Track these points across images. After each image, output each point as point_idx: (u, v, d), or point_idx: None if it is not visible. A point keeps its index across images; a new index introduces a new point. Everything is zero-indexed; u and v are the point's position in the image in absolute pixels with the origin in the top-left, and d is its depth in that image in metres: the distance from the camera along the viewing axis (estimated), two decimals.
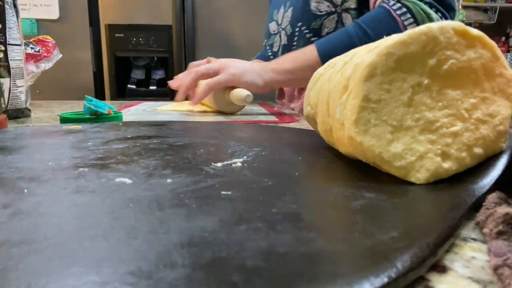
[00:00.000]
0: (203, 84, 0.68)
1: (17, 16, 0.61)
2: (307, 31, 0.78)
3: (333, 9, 0.75)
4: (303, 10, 0.77)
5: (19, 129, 0.42)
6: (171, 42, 1.70)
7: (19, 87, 0.61)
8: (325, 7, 0.75)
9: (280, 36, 0.86)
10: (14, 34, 0.59)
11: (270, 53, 0.92)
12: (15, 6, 0.60)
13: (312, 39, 0.77)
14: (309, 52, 0.68)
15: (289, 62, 0.70)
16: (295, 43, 0.81)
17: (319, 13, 0.75)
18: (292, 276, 0.12)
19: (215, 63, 0.69)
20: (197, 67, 0.71)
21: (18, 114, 0.62)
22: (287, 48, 0.84)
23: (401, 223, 0.16)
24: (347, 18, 0.76)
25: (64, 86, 1.71)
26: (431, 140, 0.22)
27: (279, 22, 0.86)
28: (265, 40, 0.95)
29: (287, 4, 0.83)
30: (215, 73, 0.67)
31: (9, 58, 0.58)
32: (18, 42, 0.61)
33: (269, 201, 0.19)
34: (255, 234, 0.15)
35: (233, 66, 0.68)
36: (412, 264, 0.13)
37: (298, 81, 0.72)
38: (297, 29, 0.80)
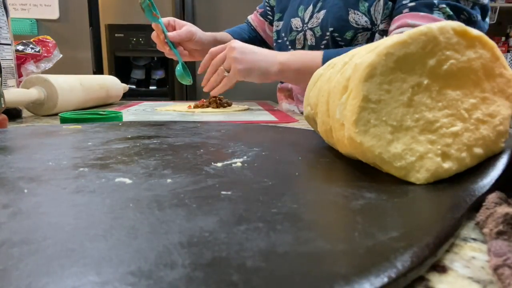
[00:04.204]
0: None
1: (7, 15, 0.61)
2: (339, 38, 0.76)
3: (369, 26, 0.73)
4: (339, 18, 0.75)
5: (19, 129, 0.42)
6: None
7: (9, 86, 0.61)
8: (363, 21, 0.73)
9: (305, 35, 0.84)
10: (4, 33, 0.59)
11: (291, 49, 0.90)
12: (4, 6, 0.60)
13: (343, 47, 0.76)
14: (317, 57, 0.70)
15: (297, 62, 0.71)
16: (322, 46, 0.80)
17: (355, 25, 0.73)
18: (292, 276, 0.12)
19: (230, 54, 0.72)
20: (216, 54, 0.76)
21: (8, 114, 0.62)
22: (315, 49, 0.83)
23: (401, 223, 0.16)
24: (379, 40, 0.73)
25: None
26: (431, 140, 0.22)
27: (305, 21, 0.83)
28: (283, 33, 0.91)
29: (318, 4, 0.80)
30: (228, 65, 0.73)
31: (0, 58, 0.58)
32: (9, 42, 0.61)
33: (269, 201, 0.19)
34: (255, 234, 0.15)
35: (240, 62, 0.71)
36: (412, 264, 0.13)
37: (301, 82, 0.76)
38: (328, 33, 0.77)
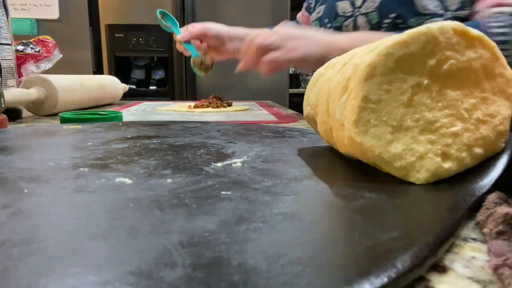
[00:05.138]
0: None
1: (7, 15, 0.61)
2: (404, 25, 0.63)
3: (440, 12, 0.61)
4: (405, 1, 0.62)
5: (19, 129, 0.42)
6: (171, 42, 1.70)
7: (9, 86, 0.61)
8: (432, 6, 0.60)
9: (355, 22, 0.71)
10: (4, 33, 0.59)
11: None
12: (4, 6, 0.60)
13: None
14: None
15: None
16: None
17: (423, 11, 0.61)
18: (292, 276, 0.12)
19: (273, 37, 0.62)
20: (252, 39, 0.64)
21: (8, 114, 0.61)
22: None
23: (401, 223, 0.16)
24: None
25: None
26: (431, 140, 0.22)
27: (357, 5, 0.71)
28: (326, 20, 0.78)
29: None
30: (276, 49, 0.62)
31: (0, 58, 0.58)
32: (9, 42, 0.61)
33: (269, 201, 0.19)
34: (255, 234, 0.15)
35: (296, 48, 0.61)
36: (412, 264, 0.13)
37: None
38: (388, 20, 0.64)
